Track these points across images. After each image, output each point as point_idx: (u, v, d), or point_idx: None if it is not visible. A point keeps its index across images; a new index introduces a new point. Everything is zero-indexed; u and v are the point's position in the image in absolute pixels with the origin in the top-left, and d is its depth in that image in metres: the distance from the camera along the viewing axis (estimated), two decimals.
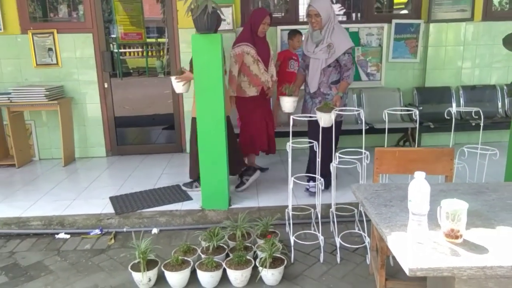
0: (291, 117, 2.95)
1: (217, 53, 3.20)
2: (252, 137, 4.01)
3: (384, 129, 4.40)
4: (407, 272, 1.41)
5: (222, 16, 3.24)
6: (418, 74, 5.11)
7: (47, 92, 4.52)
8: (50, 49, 4.85)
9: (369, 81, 5.08)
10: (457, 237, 1.53)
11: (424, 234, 1.56)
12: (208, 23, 3.09)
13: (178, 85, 3.59)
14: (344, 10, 7.37)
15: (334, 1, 7.62)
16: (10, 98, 4.50)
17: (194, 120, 3.58)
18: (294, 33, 4.59)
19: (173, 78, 3.59)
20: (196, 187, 3.86)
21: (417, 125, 3.18)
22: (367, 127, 4.54)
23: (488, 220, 1.73)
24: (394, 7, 6.56)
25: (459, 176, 3.12)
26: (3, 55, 4.84)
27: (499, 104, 5.05)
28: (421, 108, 4.78)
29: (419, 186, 1.55)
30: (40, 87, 4.57)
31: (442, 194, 2.02)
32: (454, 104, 4.94)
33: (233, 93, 3.91)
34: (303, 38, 4.41)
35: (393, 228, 1.67)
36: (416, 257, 1.45)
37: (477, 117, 3.02)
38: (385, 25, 4.95)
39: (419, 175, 1.57)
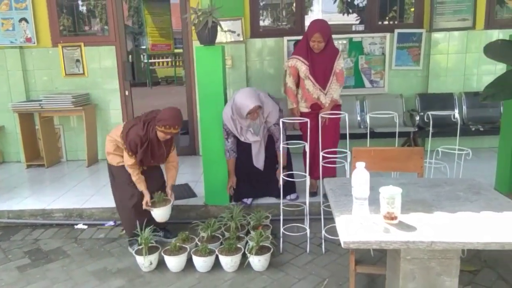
0: (281, 120, 3.24)
1: (218, 63, 3.54)
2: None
3: (385, 133, 4.67)
4: (342, 245, 1.68)
5: (223, 29, 3.56)
6: (421, 81, 5.28)
7: (74, 99, 4.99)
8: (77, 61, 5.34)
9: (372, 88, 5.29)
10: (392, 219, 1.78)
11: (365, 215, 1.82)
12: (209, 36, 3.43)
13: (158, 213, 3.17)
14: (360, 20, 7.61)
15: (351, 11, 7.90)
16: (41, 105, 5.00)
17: (112, 168, 3.24)
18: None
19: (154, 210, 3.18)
20: (132, 244, 3.22)
21: (397, 129, 3.36)
22: (366, 131, 4.76)
23: (429, 207, 1.96)
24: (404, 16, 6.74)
25: (441, 176, 3.32)
26: (36, 66, 5.37)
27: (502, 110, 5.12)
28: (422, 113, 4.94)
29: (359, 174, 1.81)
30: (68, 94, 5.05)
31: (401, 187, 2.24)
32: (456, 110, 5.06)
33: (291, 105, 3.76)
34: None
35: (343, 212, 1.93)
36: (351, 232, 1.71)
37: (470, 122, 3.19)
38: (388, 35, 5.16)
39: (359, 165, 1.83)
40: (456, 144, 3.04)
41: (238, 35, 5.16)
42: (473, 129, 4.77)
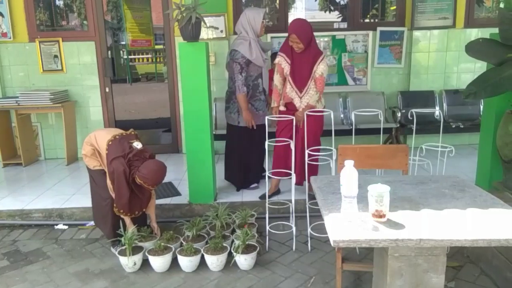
0: (266, 117, 3.22)
1: (202, 59, 3.49)
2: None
3: (368, 129, 4.71)
4: (331, 243, 1.67)
5: (206, 25, 3.52)
6: (403, 78, 5.34)
7: (52, 96, 4.85)
8: (55, 56, 5.20)
9: (355, 86, 5.33)
10: (381, 216, 1.78)
11: (353, 213, 1.81)
12: (193, 32, 3.38)
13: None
14: (342, 18, 7.64)
15: (332, 8, 7.92)
16: (18, 102, 4.85)
17: (89, 170, 3.17)
18: (272, 55, 4.90)
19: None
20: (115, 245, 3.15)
21: (381, 126, 3.39)
22: (350, 127, 4.79)
23: (416, 204, 1.97)
24: (386, 14, 6.81)
25: (424, 173, 3.36)
26: (12, 62, 5.20)
27: (481, 108, 5.24)
28: (403, 110, 5.01)
29: (348, 172, 1.81)
30: (45, 91, 4.91)
31: (387, 184, 2.25)
32: (437, 108, 5.14)
33: (273, 103, 3.66)
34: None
35: (332, 210, 1.93)
36: (341, 231, 1.70)
37: (451, 120, 3.24)
38: (370, 32, 5.19)
39: (348, 163, 1.82)
40: (439, 142, 3.08)
41: (221, 31, 5.11)
42: (454, 126, 4.85)
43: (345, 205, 1.82)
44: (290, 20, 5.35)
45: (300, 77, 3.53)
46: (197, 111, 3.55)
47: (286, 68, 3.58)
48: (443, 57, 5.25)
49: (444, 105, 5.20)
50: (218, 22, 5.03)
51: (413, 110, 3.16)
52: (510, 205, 1.95)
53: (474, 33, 5.16)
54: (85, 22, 5.34)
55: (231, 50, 3.80)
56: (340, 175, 1.84)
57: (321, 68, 3.49)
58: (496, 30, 3.61)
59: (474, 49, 3.22)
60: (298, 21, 3.65)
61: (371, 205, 1.79)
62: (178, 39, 5.14)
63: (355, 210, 1.81)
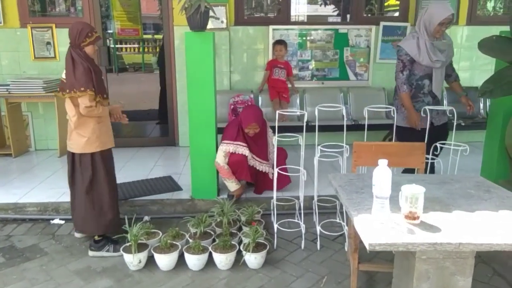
0: (277, 112, 3.12)
1: (209, 50, 3.36)
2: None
3: (369, 125, 4.66)
4: (367, 247, 1.60)
5: (215, 15, 3.39)
6: None
7: (45, 85, 4.65)
8: (48, 43, 4.98)
9: (357, 81, 5.27)
10: (415, 218, 1.71)
11: (386, 215, 1.74)
12: (201, 21, 3.25)
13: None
14: (338, 12, 7.57)
15: (328, 2, 7.84)
16: (9, 90, 4.64)
17: (85, 155, 2.87)
18: (274, 43, 4.94)
19: None
20: (108, 250, 2.98)
21: (394, 122, 3.33)
22: (352, 123, 4.74)
23: (446, 206, 1.91)
24: (385, 9, 6.78)
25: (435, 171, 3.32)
26: (2, 48, 4.96)
27: (481, 106, 5.25)
28: None
29: (381, 172, 1.73)
30: (38, 79, 4.70)
31: (409, 184, 2.20)
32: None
33: (234, 185, 3.61)
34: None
35: (360, 211, 1.85)
36: (376, 234, 1.63)
37: (451, 115, 3.20)
38: (373, 27, 5.13)
39: (382, 163, 1.75)
40: (452, 140, 3.04)
41: (222, 22, 4.98)
42: (455, 124, 4.82)
43: (376, 206, 1.75)
44: (292, 12, 5.28)
45: (261, 152, 3.67)
46: (203, 103, 3.44)
47: (246, 152, 3.54)
48: None
49: (445, 102, 5.18)
50: (219, 13, 4.88)
51: (427, 107, 3.11)
52: None
53: (477, 31, 5.12)
54: (79, 8, 5.13)
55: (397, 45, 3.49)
56: (373, 174, 1.76)
57: (270, 133, 3.76)
58: (500, 28, 3.61)
59: (487, 46, 3.17)
60: (253, 110, 3.66)
61: (404, 206, 1.72)
62: (177, 29, 5.01)
63: (387, 212, 1.74)
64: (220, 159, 3.52)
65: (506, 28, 3.30)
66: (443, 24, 3.18)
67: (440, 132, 3.43)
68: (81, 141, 2.83)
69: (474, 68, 5.32)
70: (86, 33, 2.76)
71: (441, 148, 3.23)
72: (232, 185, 3.58)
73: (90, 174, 2.87)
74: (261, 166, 3.66)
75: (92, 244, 2.99)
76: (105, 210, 2.93)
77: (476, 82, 5.36)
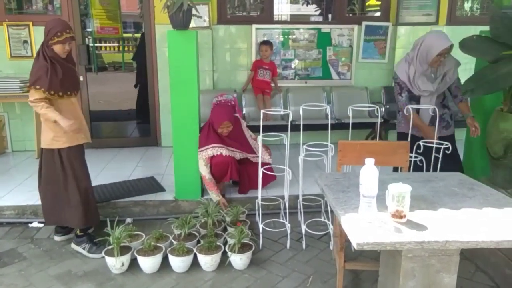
0: (262, 111, 3.10)
1: (192, 49, 3.32)
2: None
3: (352, 124, 4.68)
4: (355, 246, 1.59)
5: (198, 14, 3.35)
6: (387, 74, 5.34)
7: (22, 84, 4.51)
8: (25, 41, 4.84)
9: (339, 80, 5.29)
10: (401, 217, 1.71)
11: (373, 214, 1.74)
12: (183, 20, 3.20)
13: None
14: (320, 11, 7.61)
15: (311, 1, 7.87)
16: None
17: (53, 151, 2.93)
18: (261, 44, 4.97)
19: None
20: (84, 248, 2.97)
21: (379, 120, 3.36)
22: (335, 122, 4.76)
23: (432, 204, 1.92)
24: (367, 9, 6.84)
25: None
26: None
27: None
28: (387, 106, 5.02)
29: (368, 171, 1.73)
30: (15, 79, 4.57)
31: (394, 182, 2.20)
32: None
33: (215, 196, 3.49)
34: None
35: (347, 210, 1.84)
36: (363, 233, 1.62)
37: (433, 114, 3.23)
38: (356, 27, 5.16)
39: (369, 162, 1.74)
40: (434, 138, 3.07)
41: (205, 21, 4.93)
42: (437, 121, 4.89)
43: (363, 205, 1.74)
44: (276, 11, 5.27)
45: (240, 147, 3.65)
46: (186, 103, 3.39)
47: (223, 151, 3.50)
48: None
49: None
50: (202, 11, 4.83)
51: (410, 107, 3.13)
52: None
53: (456, 31, 5.18)
54: (58, 5, 5.00)
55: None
56: (360, 173, 1.75)
57: (244, 125, 3.78)
58: (478, 28, 3.67)
59: (468, 46, 3.21)
60: (223, 108, 3.64)
61: (391, 205, 1.72)
62: (159, 27, 4.93)
63: (375, 211, 1.74)
64: (202, 169, 3.47)
65: (485, 28, 3.35)
66: (441, 54, 3.10)
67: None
68: (48, 136, 2.89)
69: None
70: (55, 32, 2.74)
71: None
72: (213, 197, 3.49)
73: (59, 169, 2.91)
74: (254, 159, 3.65)
75: (74, 238, 3.05)
76: (74, 205, 2.93)
77: None
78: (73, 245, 3.04)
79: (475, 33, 3.31)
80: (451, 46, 3.13)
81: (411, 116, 3.15)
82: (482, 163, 3.62)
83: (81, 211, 2.93)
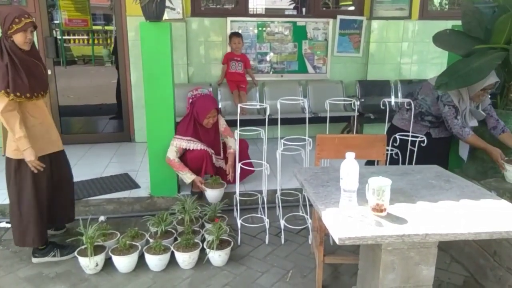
0: (239, 105, 3.05)
1: (166, 41, 3.23)
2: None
3: (329, 117, 4.70)
4: (336, 241, 1.57)
5: (171, 5, 3.26)
6: (361, 68, 5.39)
7: None
8: None
9: (315, 74, 5.29)
10: (381, 211, 1.71)
11: (353, 208, 1.73)
12: (157, 11, 3.11)
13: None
14: (294, 5, 7.57)
15: None
16: None
17: (11, 161, 2.73)
18: (231, 35, 4.91)
19: None
20: (55, 255, 2.78)
21: (355, 114, 3.38)
22: (312, 115, 4.76)
23: (410, 197, 1.93)
24: (341, 3, 6.86)
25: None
26: None
27: None
28: (362, 100, 5.06)
29: (349, 165, 1.71)
30: None
31: (373, 176, 2.21)
32: (392, 97, 5.26)
33: (188, 178, 3.43)
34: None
35: (328, 205, 1.83)
36: (345, 228, 1.61)
37: (408, 107, 3.26)
38: (331, 20, 5.16)
39: (349, 156, 1.73)
40: (410, 131, 3.10)
41: (178, 13, 4.82)
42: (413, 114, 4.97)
43: (344, 200, 1.73)
44: (250, 4, 5.20)
45: (213, 145, 3.62)
46: (160, 97, 3.31)
47: (199, 146, 3.48)
48: (399, 48, 5.37)
49: (399, 94, 5.33)
50: (175, 3, 4.72)
51: (386, 100, 3.15)
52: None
53: (429, 25, 5.28)
54: None
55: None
56: (341, 167, 1.74)
57: (221, 122, 3.67)
58: (450, 23, 3.73)
59: (441, 40, 3.26)
60: (207, 97, 3.68)
61: (371, 199, 1.71)
62: (131, 19, 4.79)
63: (355, 205, 1.73)
64: (172, 154, 3.39)
65: (458, 22, 3.41)
66: (485, 90, 2.99)
67: (439, 145, 3.29)
68: (10, 145, 2.67)
69: (426, 62, 5.50)
70: (12, 18, 2.38)
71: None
72: (187, 176, 3.41)
73: (16, 181, 2.68)
74: (217, 162, 3.63)
75: (35, 251, 2.76)
76: (26, 223, 2.68)
77: (427, 75, 5.55)
78: (36, 260, 2.74)
79: (447, 28, 3.35)
80: (497, 83, 3.02)
81: (470, 137, 3.01)
82: (454, 155, 3.69)
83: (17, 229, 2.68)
